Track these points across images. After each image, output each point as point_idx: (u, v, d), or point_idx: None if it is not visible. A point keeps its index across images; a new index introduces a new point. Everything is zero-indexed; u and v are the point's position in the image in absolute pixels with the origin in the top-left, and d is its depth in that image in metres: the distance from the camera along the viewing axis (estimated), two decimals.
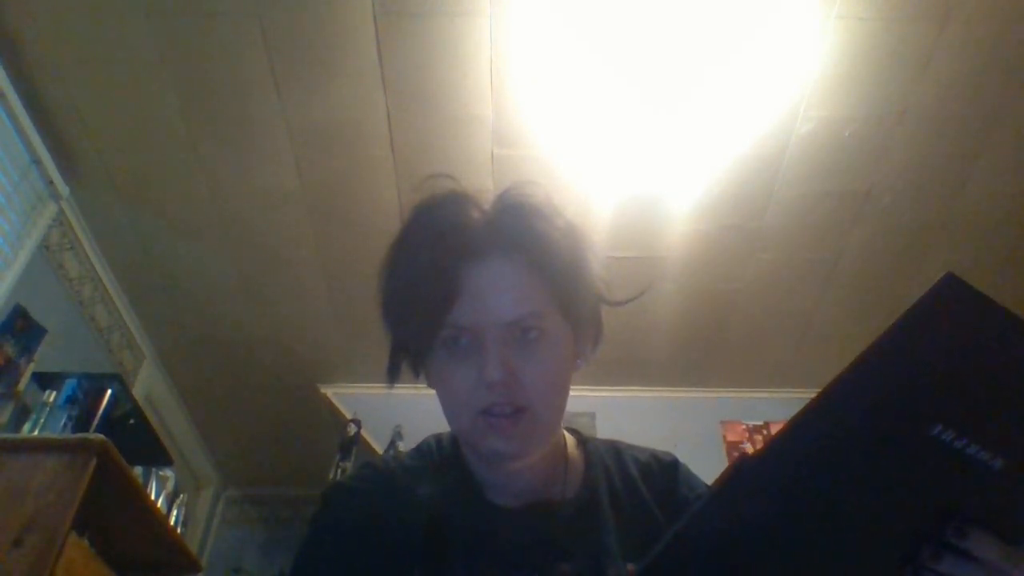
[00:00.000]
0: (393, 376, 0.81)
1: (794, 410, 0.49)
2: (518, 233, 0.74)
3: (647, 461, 0.86)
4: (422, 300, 0.72)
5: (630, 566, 0.72)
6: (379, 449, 3.18)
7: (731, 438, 3.22)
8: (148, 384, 3.22)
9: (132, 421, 2.52)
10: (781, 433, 0.48)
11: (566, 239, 0.77)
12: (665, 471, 0.84)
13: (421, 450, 0.86)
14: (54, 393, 2.31)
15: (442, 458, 0.83)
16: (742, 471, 0.50)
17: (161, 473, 2.88)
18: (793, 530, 0.54)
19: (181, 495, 3.10)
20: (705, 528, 0.53)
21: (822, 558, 0.56)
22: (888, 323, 0.44)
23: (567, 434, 0.86)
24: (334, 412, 3.37)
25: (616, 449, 0.87)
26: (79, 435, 2.05)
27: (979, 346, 0.44)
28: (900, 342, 0.44)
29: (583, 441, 0.87)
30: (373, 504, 0.77)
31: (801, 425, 0.48)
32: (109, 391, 2.37)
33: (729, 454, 3.15)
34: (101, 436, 1.93)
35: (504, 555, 0.74)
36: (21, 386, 2.27)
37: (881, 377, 0.46)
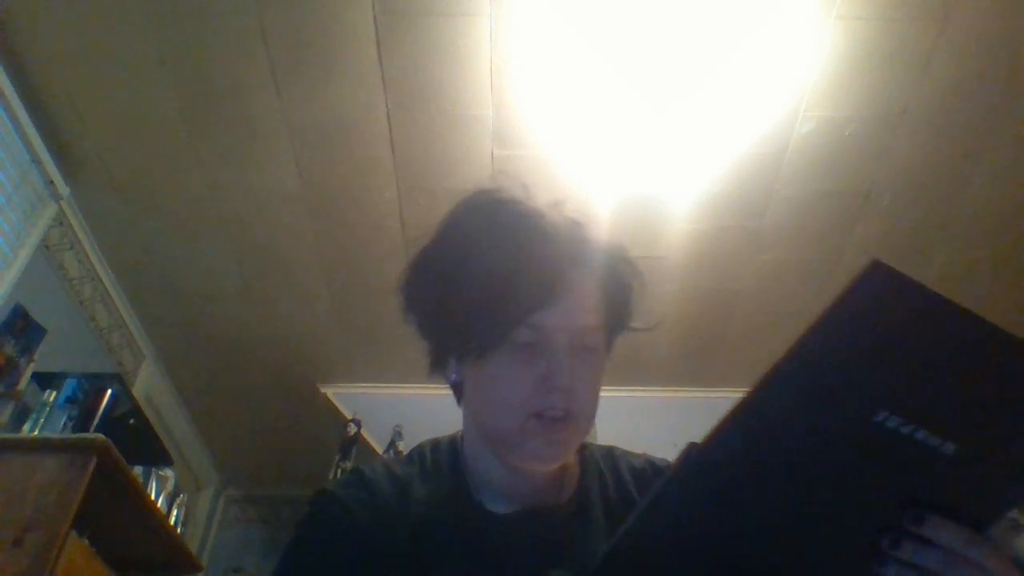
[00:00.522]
0: (439, 371, 0.81)
1: None
2: (594, 248, 0.78)
3: (642, 467, 0.85)
4: (512, 296, 0.72)
5: None
6: (379, 449, 3.19)
7: None
8: (148, 384, 3.22)
9: (132, 421, 2.52)
10: (721, 424, 0.49)
11: (624, 260, 0.81)
12: (659, 476, 0.84)
13: (413, 457, 0.85)
14: (54, 393, 2.31)
15: (437, 464, 0.83)
16: (691, 459, 0.50)
17: (161, 473, 2.88)
18: (748, 520, 0.54)
19: (181, 495, 3.10)
20: (661, 518, 0.53)
21: (782, 547, 0.56)
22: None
23: None
24: (334, 412, 3.37)
25: (612, 455, 0.87)
26: (79, 435, 2.05)
27: (911, 329, 0.44)
28: (831, 329, 0.44)
29: (580, 447, 0.87)
30: (357, 512, 0.76)
31: (739, 417, 0.48)
32: (109, 391, 2.37)
33: None
34: (101, 436, 1.93)
35: (493, 560, 0.74)
36: (21, 386, 2.27)
37: (815, 366, 0.46)
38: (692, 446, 0.51)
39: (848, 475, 0.51)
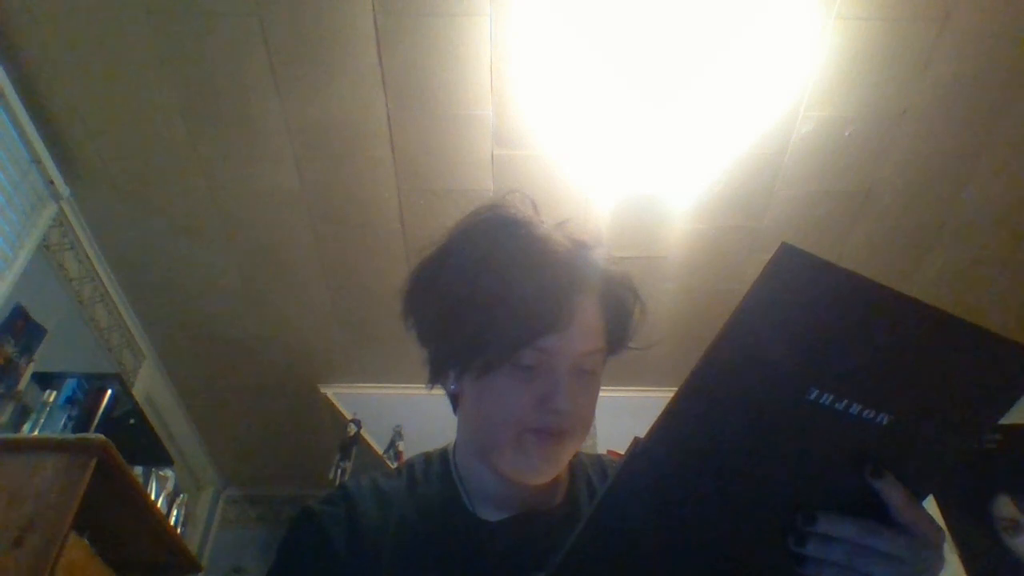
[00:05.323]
0: (438, 381, 0.82)
1: None
2: (599, 273, 0.79)
3: None
4: (521, 319, 0.72)
5: None
6: (379, 449, 3.18)
7: None
8: (148, 384, 3.22)
9: (132, 421, 2.52)
10: (661, 418, 0.50)
11: (627, 287, 0.82)
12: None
13: (401, 471, 0.86)
14: (54, 393, 2.31)
15: (427, 476, 0.84)
16: (636, 452, 0.51)
17: (161, 473, 2.89)
18: (698, 513, 0.55)
19: (181, 495, 3.10)
20: (612, 515, 0.53)
21: (732, 540, 0.56)
22: None
23: None
24: (334, 412, 3.37)
25: (601, 463, 0.89)
26: (79, 435, 2.04)
27: (827, 308, 0.46)
28: (751, 316, 0.46)
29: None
30: (333, 532, 0.77)
31: (677, 410, 0.49)
32: (109, 391, 2.38)
33: None
34: (101, 436, 1.93)
35: (482, 565, 0.75)
36: (21, 386, 2.27)
37: (741, 352, 0.47)
38: (637, 440, 0.51)
39: (790, 455, 0.52)
